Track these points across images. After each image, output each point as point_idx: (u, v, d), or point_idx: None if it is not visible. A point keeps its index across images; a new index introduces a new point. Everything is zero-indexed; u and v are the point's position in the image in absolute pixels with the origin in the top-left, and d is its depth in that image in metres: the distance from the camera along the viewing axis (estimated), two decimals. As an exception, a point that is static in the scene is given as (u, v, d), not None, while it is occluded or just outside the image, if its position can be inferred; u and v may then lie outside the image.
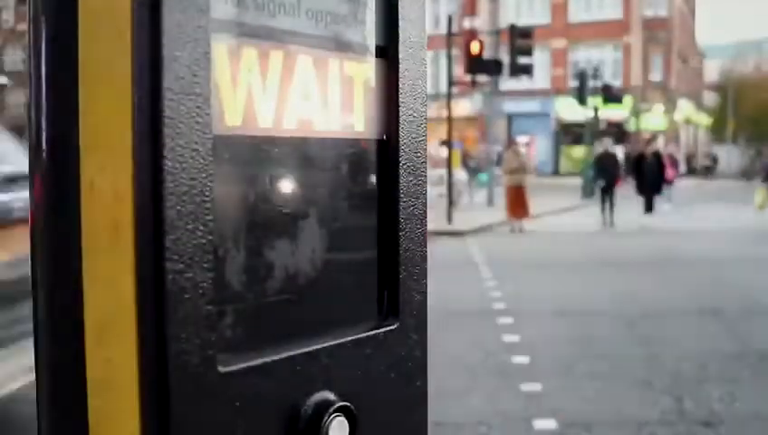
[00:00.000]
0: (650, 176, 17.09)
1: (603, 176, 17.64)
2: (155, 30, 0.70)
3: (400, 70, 0.97)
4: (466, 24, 42.06)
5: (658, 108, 44.28)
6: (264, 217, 0.84)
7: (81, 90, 0.76)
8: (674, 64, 46.77)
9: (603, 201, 17.52)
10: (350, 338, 0.91)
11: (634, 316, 7.65)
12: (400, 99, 0.97)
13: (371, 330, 0.95)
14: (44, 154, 0.80)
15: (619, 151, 20.04)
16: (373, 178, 0.97)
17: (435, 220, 16.29)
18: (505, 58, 20.36)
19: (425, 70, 1.01)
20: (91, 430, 0.76)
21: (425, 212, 1.01)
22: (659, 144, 20.18)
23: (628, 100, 38.74)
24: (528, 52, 20.23)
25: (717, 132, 59.10)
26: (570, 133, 44.01)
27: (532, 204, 17.23)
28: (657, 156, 17.79)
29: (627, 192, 18.22)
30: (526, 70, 20.24)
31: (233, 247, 0.80)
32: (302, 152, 0.88)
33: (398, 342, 0.97)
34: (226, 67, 0.79)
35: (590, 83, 27.04)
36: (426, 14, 1.02)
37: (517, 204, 16.59)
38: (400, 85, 0.97)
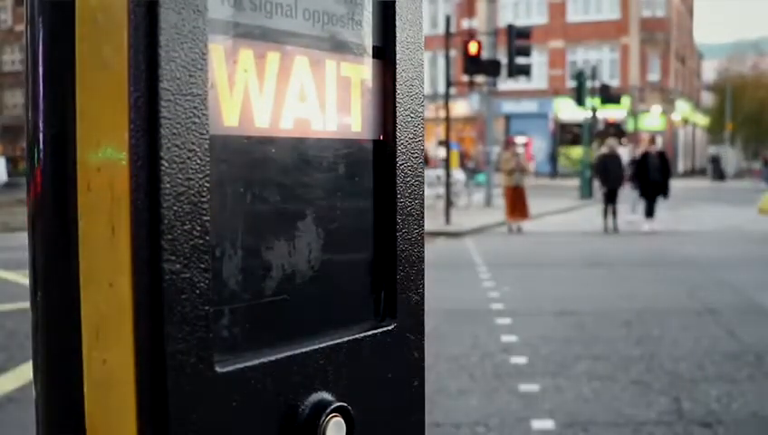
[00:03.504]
0: (653, 177, 16.67)
1: (607, 178, 17.14)
2: (152, 30, 0.70)
3: (397, 70, 0.97)
4: (464, 24, 42.10)
5: (656, 108, 44.32)
6: (261, 218, 0.84)
7: (78, 90, 0.76)
8: (672, 64, 46.80)
9: (606, 203, 17.03)
10: (347, 338, 0.91)
11: (632, 317, 7.65)
12: (397, 99, 0.97)
13: (369, 330, 0.95)
14: (42, 154, 0.80)
15: (624, 152, 19.59)
16: (370, 179, 0.97)
17: (433, 221, 16.29)
18: (503, 58, 20.35)
19: (422, 70, 1.01)
20: (88, 430, 0.76)
21: (422, 212, 1.01)
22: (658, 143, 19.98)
23: (626, 100, 38.77)
24: (526, 52, 20.22)
25: (715, 132, 59.14)
26: (568, 134, 44.06)
27: (530, 205, 17.21)
28: (662, 156, 17.34)
29: (627, 194, 18.10)
30: (524, 70, 20.23)
31: (230, 248, 0.80)
32: (299, 153, 0.88)
33: (395, 342, 0.97)
34: (223, 68, 0.79)
35: (588, 84, 27.04)
36: (423, 14, 1.02)
37: (516, 205, 16.56)
38: (397, 86, 0.97)
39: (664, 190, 16.51)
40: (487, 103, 24.27)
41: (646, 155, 16.95)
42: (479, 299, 8.65)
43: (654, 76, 45.33)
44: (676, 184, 22.38)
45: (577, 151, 38.34)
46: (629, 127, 42.51)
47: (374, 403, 0.94)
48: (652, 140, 18.19)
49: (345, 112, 0.93)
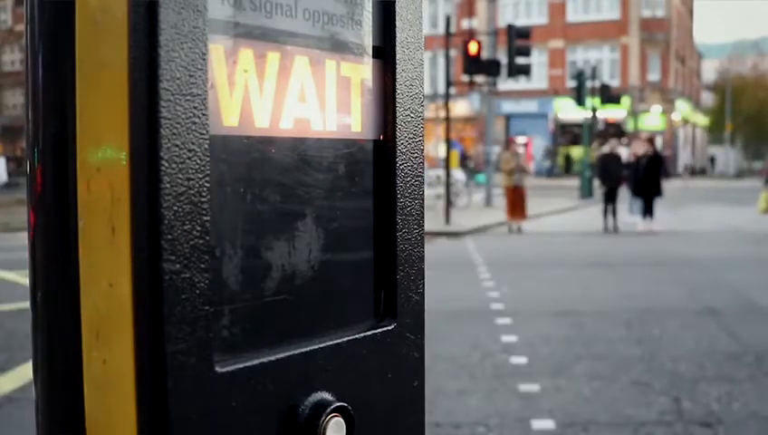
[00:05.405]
0: (643, 177, 16.63)
1: (607, 178, 17.14)
2: (152, 30, 0.70)
3: (397, 70, 0.97)
4: (464, 24, 42.10)
5: (656, 108, 44.31)
6: (261, 218, 0.84)
7: (78, 90, 0.75)
8: (672, 64, 46.77)
9: (606, 203, 17.03)
10: (347, 338, 0.91)
11: (632, 317, 7.65)
12: (397, 99, 0.97)
13: (369, 330, 0.95)
14: (42, 155, 0.80)
15: (624, 152, 19.55)
16: (370, 179, 0.97)
17: (433, 221, 16.29)
18: (503, 58, 20.35)
19: (421, 70, 1.01)
20: (88, 430, 0.76)
21: (422, 212, 1.01)
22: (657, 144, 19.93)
23: (626, 100, 38.76)
24: (526, 52, 20.21)
25: (715, 132, 59.14)
26: (567, 134, 44.06)
27: (530, 205, 17.19)
28: (656, 156, 17.28)
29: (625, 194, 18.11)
30: (524, 70, 20.22)
31: (230, 248, 0.80)
32: (299, 153, 0.88)
33: (395, 342, 0.97)
34: (223, 68, 0.79)
35: (588, 84, 27.03)
36: (423, 14, 1.02)
37: (516, 205, 16.56)
38: (397, 86, 0.97)
39: (656, 190, 16.44)
40: (487, 103, 24.25)
41: (641, 156, 16.86)
42: (479, 299, 8.65)
43: (654, 76, 45.31)
44: (674, 184, 22.36)
45: (575, 151, 38.36)
46: (629, 127, 42.50)
47: (374, 403, 0.94)
48: (649, 141, 18.14)
49: (345, 112, 0.93)
